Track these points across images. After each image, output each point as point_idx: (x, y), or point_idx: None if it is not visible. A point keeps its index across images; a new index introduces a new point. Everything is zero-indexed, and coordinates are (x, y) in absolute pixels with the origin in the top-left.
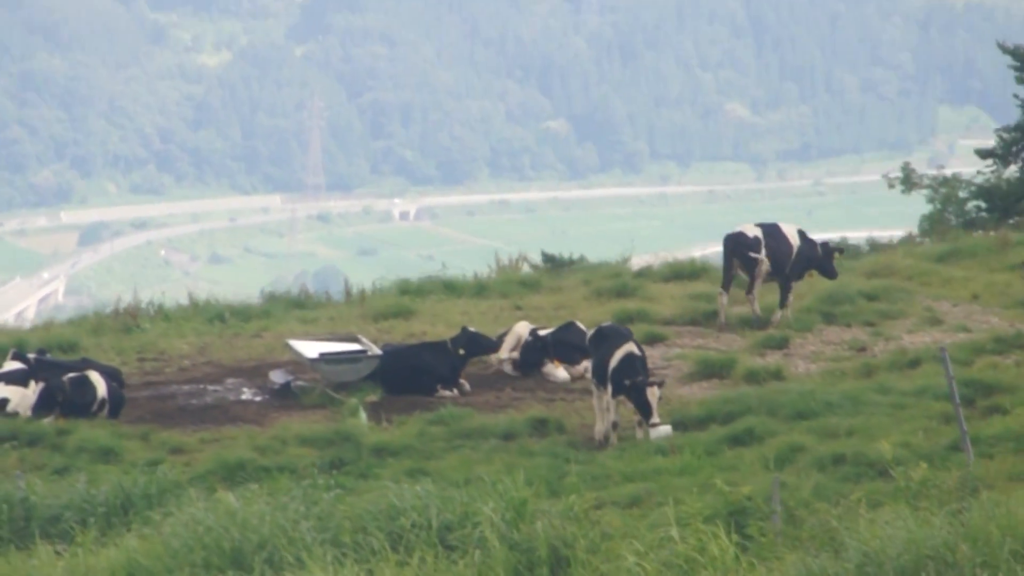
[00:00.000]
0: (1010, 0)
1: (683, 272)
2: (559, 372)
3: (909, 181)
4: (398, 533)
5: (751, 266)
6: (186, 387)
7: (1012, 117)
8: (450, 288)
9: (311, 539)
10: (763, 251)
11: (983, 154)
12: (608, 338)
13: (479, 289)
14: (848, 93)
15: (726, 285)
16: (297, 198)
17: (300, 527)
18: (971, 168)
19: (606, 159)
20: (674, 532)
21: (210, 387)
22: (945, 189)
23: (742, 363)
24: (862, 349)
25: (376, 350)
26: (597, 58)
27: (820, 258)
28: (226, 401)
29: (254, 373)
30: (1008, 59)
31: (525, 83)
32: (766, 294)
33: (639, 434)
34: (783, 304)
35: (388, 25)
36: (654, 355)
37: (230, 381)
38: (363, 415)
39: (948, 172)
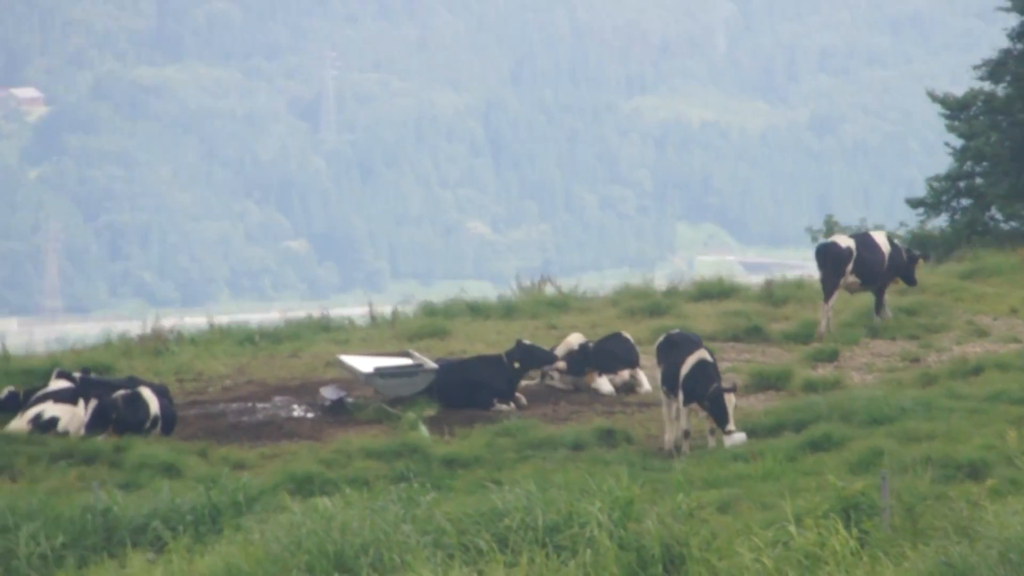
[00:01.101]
0: (744, 119)
1: (712, 292)
2: (603, 384)
3: None
4: (503, 535)
5: (839, 277)
6: (234, 405)
7: (750, 236)
8: (475, 310)
9: (414, 542)
10: (852, 264)
11: (913, 203)
12: (678, 345)
13: (507, 311)
14: (588, 210)
15: (827, 296)
16: (34, 321)
17: (401, 530)
18: None
19: (347, 278)
20: (792, 528)
21: (259, 405)
22: None
23: (798, 374)
24: (915, 360)
25: (431, 364)
26: (336, 176)
27: (905, 264)
28: (278, 418)
29: (301, 391)
30: (940, 109)
31: (264, 203)
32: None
33: (711, 442)
34: (880, 311)
35: (124, 146)
36: None
37: (278, 399)
38: (423, 429)
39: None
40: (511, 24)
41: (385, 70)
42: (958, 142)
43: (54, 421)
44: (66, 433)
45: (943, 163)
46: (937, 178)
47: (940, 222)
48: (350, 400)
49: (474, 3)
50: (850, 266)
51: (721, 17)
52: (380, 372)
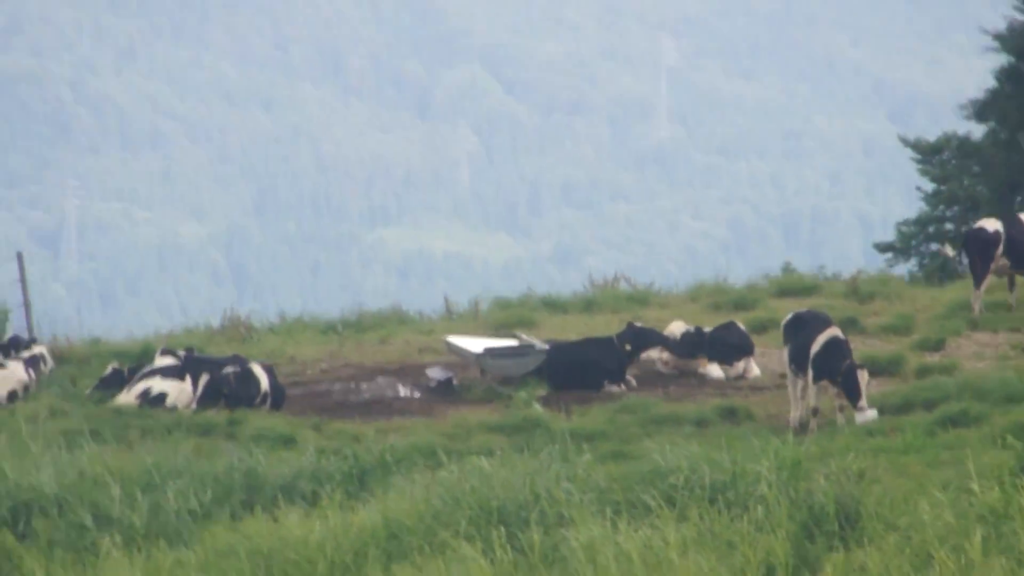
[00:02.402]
0: (487, 250)
1: (794, 289)
2: (713, 370)
3: None
4: (668, 493)
5: (988, 262)
6: (337, 385)
7: None
8: (551, 305)
9: (576, 499)
10: (1002, 247)
11: (881, 247)
12: (808, 323)
13: (586, 305)
14: None
15: (978, 283)
16: None
17: (562, 488)
18: None
19: None
20: (975, 485)
21: (362, 385)
22: None
23: (910, 360)
24: None
25: (542, 345)
26: (77, 305)
27: None
28: (385, 397)
29: (402, 373)
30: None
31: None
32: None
33: (840, 420)
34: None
35: None
36: None
37: (381, 379)
38: (537, 407)
39: None
40: (254, 156)
41: (128, 200)
42: (930, 186)
43: (162, 396)
44: (174, 408)
45: None
46: (907, 222)
47: (910, 266)
48: (457, 381)
49: (217, 134)
50: (1000, 249)
51: (465, 151)
52: (491, 352)
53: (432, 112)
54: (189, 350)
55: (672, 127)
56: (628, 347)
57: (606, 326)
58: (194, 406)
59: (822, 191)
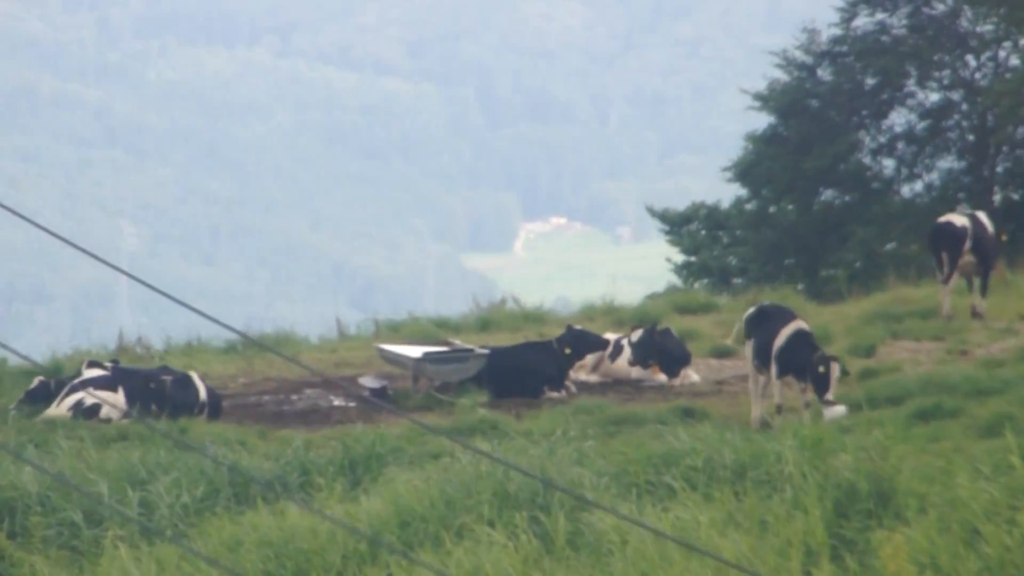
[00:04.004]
0: None
1: (691, 306)
2: (657, 377)
3: None
4: (688, 475)
5: (956, 257)
6: (266, 397)
7: None
8: (443, 326)
9: (592, 483)
10: (969, 242)
11: None
12: (772, 316)
13: (482, 325)
14: None
15: (946, 280)
16: None
17: (574, 472)
18: None
19: None
20: (1015, 459)
21: (292, 396)
22: None
23: (849, 363)
24: (963, 352)
25: (481, 350)
26: None
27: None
28: (320, 407)
29: (329, 386)
30: None
31: None
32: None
33: (805, 416)
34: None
35: None
36: None
37: (308, 392)
38: (483, 412)
39: None
40: None
41: None
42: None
43: (96, 407)
44: (108, 420)
45: None
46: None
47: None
48: (390, 390)
49: None
50: (967, 245)
51: None
52: (430, 357)
53: None
54: (115, 362)
55: (135, 315)
56: (568, 351)
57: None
58: (122, 419)
59: None
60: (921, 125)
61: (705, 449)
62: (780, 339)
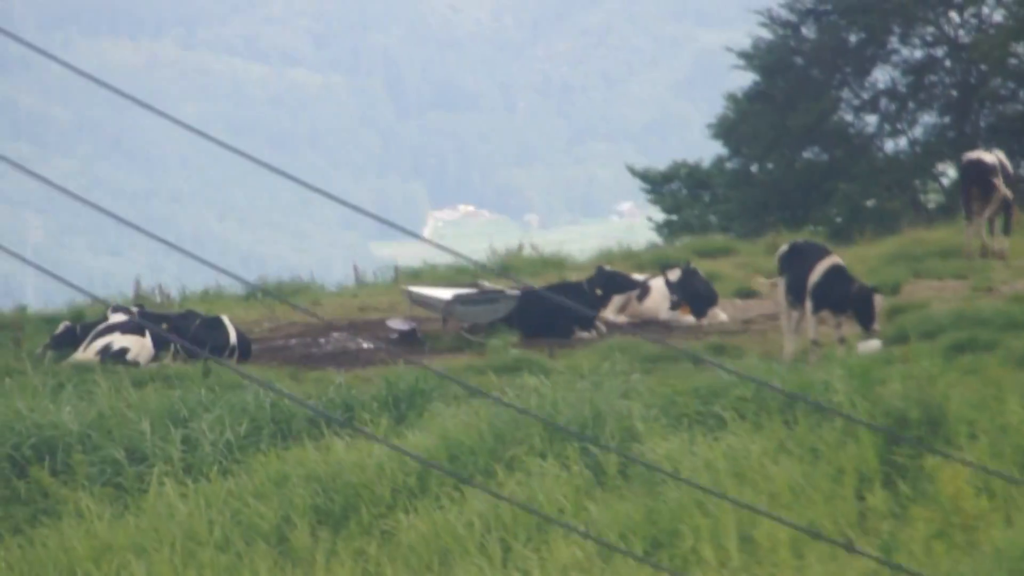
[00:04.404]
0: None
1: (710, 250)
2: (685, 318)
3: None
4: (736, 406)
5: (989, 192)
6: (293, 341)
7: None
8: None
9: (640, 414)
10: (1000, 177)
11: None
12: (804, 253)
13: (502, 271)
14: None
15: (970, 215)
16: None
17: (623, 404)
18: None
19: None
20: None
21: (319, 340)
22: None
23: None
24: (988, 289)
25: (512, 291)
26: None
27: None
28: (349, 350)
29: (355, 329)
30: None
31: None
32: None
33: (840, 351)
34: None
35: None
36: None
37: (335, 335)
38: (515, 352)
39: None
40: None
41: None
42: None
43: (124, 351)
44: (136, 363)
45: None
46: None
47: None
48: (421, 332)
49: None
50: (999, 179)
51: None
52: (460, 299)
53: None
54: (140, 306)
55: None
56: (599, 292)
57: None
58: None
59: None
60: (904, 82)
61: (738, 383)
62: (815, 274)
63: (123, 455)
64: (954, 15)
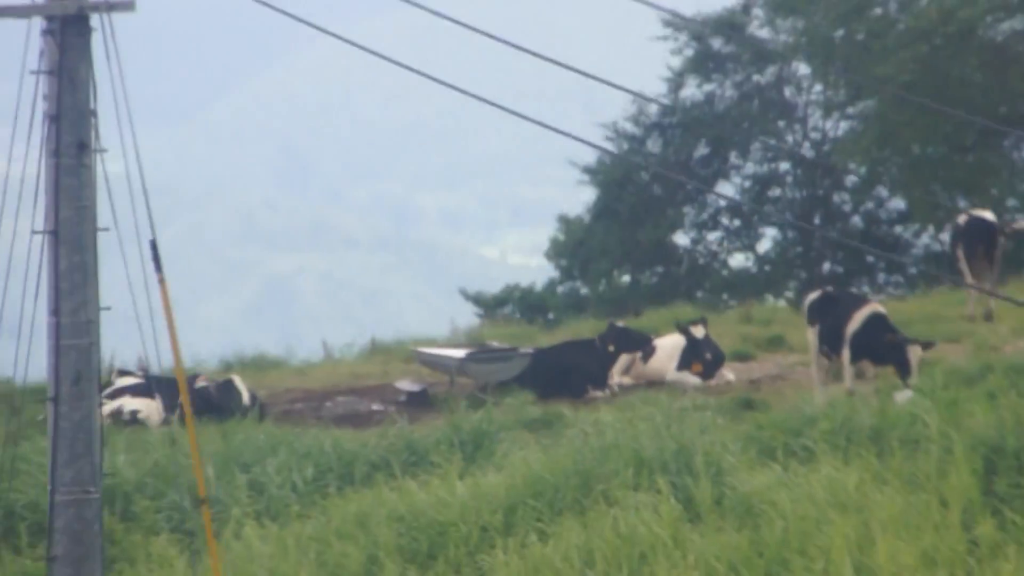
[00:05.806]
0: None
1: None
2: (688, 379)
3: None
4: (826, 438)
5: (993, 250)
6: (299, 404)
7: None
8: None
9: (722, 448)
10: (1001, 236)
11: None
12: (840, 301)
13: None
14: None
15: (973, 274)
16: None
17: (703, 439)
18: None
19: None
20: None
21: (326, 404)
22: None
23: None
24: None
25: (525, 349)
26: None
27: None
28: (361, 411)
29: (359, 392)
30: None
31: None
32: None
33: (873, 402)
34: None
35: None
36: None
37: (341, 399)
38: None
39: None
40: None
41: None
42: None
43: (135, 413)
44: (146, 426)
45: None
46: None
47: None
48: (431, 392)
49: None
50: (1000, 239)
51: None
52: (473, 357)
53: None
54: (144, 369)
55: None
56: (612, 348)
57: None
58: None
59: None
60: (747, 197)
61: (831, 416)
62: (854, 323)
63: (188, 501)
64: (798, 128)
